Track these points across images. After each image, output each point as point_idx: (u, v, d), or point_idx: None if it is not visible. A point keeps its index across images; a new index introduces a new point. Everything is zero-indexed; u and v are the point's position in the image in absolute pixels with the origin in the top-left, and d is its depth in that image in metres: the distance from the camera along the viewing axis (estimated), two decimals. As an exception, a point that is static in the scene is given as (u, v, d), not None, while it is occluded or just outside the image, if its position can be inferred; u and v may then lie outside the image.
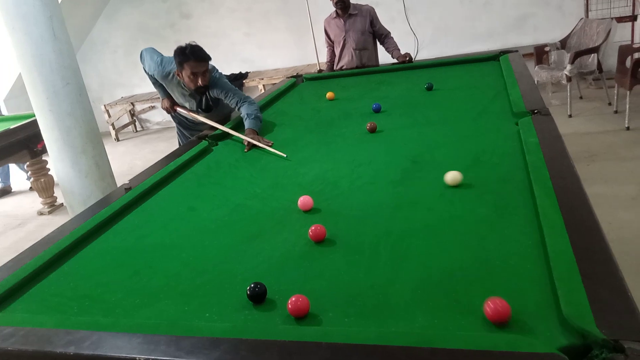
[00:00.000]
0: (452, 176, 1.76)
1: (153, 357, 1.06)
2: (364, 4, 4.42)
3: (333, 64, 4.56)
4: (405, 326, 1.10)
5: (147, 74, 3.28)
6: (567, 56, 5.25)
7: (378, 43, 4.49)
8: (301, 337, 1.06)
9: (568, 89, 5.15)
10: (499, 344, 0.95)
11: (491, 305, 1.07)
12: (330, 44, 4.53)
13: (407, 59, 4.10)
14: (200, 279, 1.42)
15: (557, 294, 1.08)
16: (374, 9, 4.38)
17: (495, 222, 1.47)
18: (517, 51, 3.71)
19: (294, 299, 1.18)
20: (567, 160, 1.69)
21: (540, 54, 5.63)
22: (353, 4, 4.35)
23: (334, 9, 4.36)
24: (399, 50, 4.28)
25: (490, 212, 1.53)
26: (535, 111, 2.27)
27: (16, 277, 1.51)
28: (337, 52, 4.47)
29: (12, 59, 3.52)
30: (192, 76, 2.87)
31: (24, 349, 1.17)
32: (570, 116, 5.13)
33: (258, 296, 1.25)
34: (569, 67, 5.03)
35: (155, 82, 3.32)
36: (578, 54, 5.03)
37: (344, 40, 4.37)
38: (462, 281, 1.22)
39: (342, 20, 4.34)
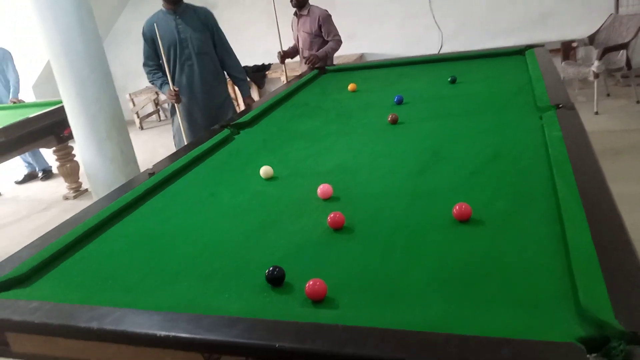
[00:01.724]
0: (264, 170, 2.00)
1: (173, 334, 1.09)
2: (323, 8, 4.40)
3: (292, 53, 4.56)
4: (419, 313, 1.10)
5: (147, 67, 3.66)
6: (595, 52, 5.15)
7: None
8: (317, 319, 1.07)
9: (595, 86, 5.06)
10: (514, 332, 0.95)
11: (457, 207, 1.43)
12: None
13: (311, 59, 4.19)
14: (220, 262, 1.45)
15: (575, 285, 1.07)
16: (326, 15, 4.33)
17: (515, 214, 1.46)
18: (543, 46, 3.65)
19: (311, 282, 1.20)
20: (591, 155, 1.67)
21: (567, 49, 5.53)
22: (311, 5, 4.37)
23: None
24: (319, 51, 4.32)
25: (509, 204, 1.52)
26: (560, 105, 2.24)
27: (42, 255, 1.55)
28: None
29: (41, 46, 3.59)
30: None
31: (49, 323, 1.21)
32: (596, 113, 5.04)
33: (276, 279, 1.27)
34: (596, 63, 4.94)
35: (153, 71, 3.66)
36: (606, 50, 4.94)
37: (296, 38, 4.51)
38: (479, 272, 1.22)
39: (296, 18, 4.42)
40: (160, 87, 3.65)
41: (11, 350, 1.36)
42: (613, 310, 0.97)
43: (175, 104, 3.60)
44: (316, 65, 4.19)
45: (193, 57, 3.63)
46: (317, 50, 4.34)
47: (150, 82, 3.74)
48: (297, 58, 4.68)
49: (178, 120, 3.66)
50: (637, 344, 0.90)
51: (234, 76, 3.91)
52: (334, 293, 1.21)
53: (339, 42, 4.36)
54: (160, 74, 3.65)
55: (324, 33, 4.32)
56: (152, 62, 3.66)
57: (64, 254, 1.59)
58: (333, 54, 4.41)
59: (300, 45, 4.47)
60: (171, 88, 3.53)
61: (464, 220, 1.47)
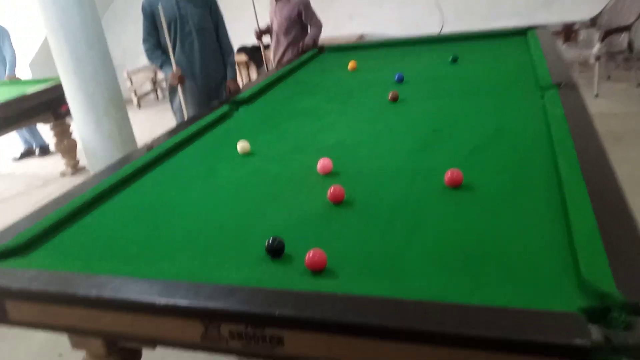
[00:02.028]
0: (241, 145, 2.03)
1: (173, 302, 1.09)
2: None
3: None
4: (419, 286, 1.10)
5: (146, 44, 3.58)
6: (596, 35, 5.12)
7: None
8: (317, 288, 1.07)
9: (596, 69, 5.03)
10: (514, 302, 0.95)
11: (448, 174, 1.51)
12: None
13: (305, 49, 4.14)
14: (219, 235, 1.44)
15: (577, 257, 1.07)
16: (307, 2, 4.23)
17: (516, 190, 1.45)
18: (545, 26, 3.62)
19: (311, 252, 1.20)
20: (592, 132, 1.66)
21: (568, 32, 5.49)
22: None
23: None
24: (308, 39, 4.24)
25: (511, 180, 1.52)
26: (562, 84, 2.22)
27: (39, 226, 1.54)
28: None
29: (39, 23, 3.55)
30: None
31: (47, 290, 1.21)
32: (596, 96, 5.02)
33: (276, 250, 1.27)
34: (598, 45, 4.91)
35: (152, 49, 3.59)
36: (608, 33, 4.90)
37: (272, 22, 4.39)
38: (479, 246, 1.22)
39: (275, 2, 4.31)
40: (161, 66, 3.60)
41: (9, 318, 1.36)
42: (614, 281, 0.97)
43: (179, 86, 3.56)
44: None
45: (193, 33, 3.58)
46: (295, 36, 4.27)
47: (149, 60, 3.68)
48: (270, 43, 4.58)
49: (179, 98, 3.62)
50: (639, 314, 0.90)
51: (223, 57, 3.85)
52: (334, 265, 1.21)
53: (320, 27, 4.28)
54: (159, 53, 3.59)
55: (304, 18, 4.24)
56: (152, 39, 3.59)
57: (62, 225, 1.58)
58: (318, 40, 4.30)
59: (276, 30, 4.34)
60: (174, 70, 3.48)
61: (456, 186, 1.52)
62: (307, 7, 4.24)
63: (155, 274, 1.21)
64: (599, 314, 0.93)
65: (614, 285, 0.96)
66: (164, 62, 3.58)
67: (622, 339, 0.84)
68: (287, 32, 4.29)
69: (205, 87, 3.73)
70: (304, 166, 1.86)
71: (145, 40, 3.60)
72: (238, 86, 3.83)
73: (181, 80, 3.54)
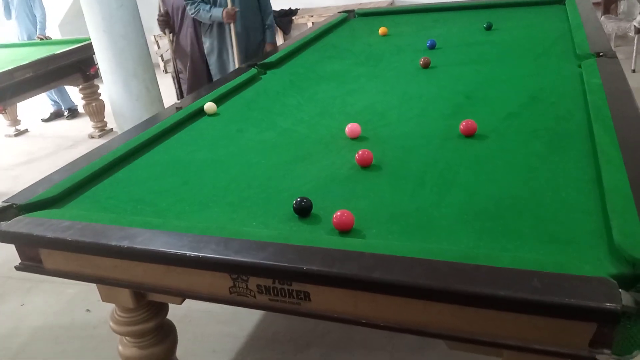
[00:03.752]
0: (208, 106, 2.07)
1: (202, 254, 1.11)
2: None
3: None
4: (449, 245, 1.10)
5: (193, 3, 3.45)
6: (638, 6, 4.91)
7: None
8: (344, 247, 1.08)
9: (635, 42, 4.84)
10: (546, 266, 0.95)
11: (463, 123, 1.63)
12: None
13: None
14: (248, 192, 1.45)
15: (609, 225, 1.05)
16: None
17: (550, 156, 1.43)
18: (585, -5, 3.48)
19: (339, 213, 1.20)
20: (631, 101, 1.61)
21: (608, 3, 5.29)
22: None
23: None
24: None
25: (544, 146, 1.49)
26: (601, 54, 2.15)
27: (73, 179, 1.57)
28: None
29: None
30: None
31: (81, 240, 1.24)
32: (633, 71, 4.85)
33: (304, 209, 1.28)
34: (639, 17, 4.71)
35: (200, 3, 3.47)
36: (651, 4, 4.70)
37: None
38: (510, 208, 1.20)
39: None
40: (210, 16, 3.48)
41: (44, 267, 1.41)
42: (648, 249, 0.95)
43: (232, 24, 3.50)
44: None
45: None
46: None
47: (198, 16, 3.51)
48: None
49: (231, 37, 3.55)
50: (671, 282, 0.89)
51: (263, 19, 3.77)
52: (362, 225, 1.21)
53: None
54: (204, 4, 3.49)
55: None
56: None
57: (95, 179, 1.61)
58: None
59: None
60: (229, 5, 3.41)
61: (470, 135, 1.62)
62: None
63: (185, 227, 1.23)
64: (630, 280, 0.92)
65: (647, 253, 0.94)
66: (211, 9, 3.49)
67: (654, 305, 0.83)
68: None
69: (244, 49, 3.67)
70: (332, 129, 1.85)
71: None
72: (276, 50, 3.72)
73: (235, 16, 3.46)
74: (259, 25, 3.74)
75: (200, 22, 3.67)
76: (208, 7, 3.49)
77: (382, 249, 1.05)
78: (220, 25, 3.62)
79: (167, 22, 3.84)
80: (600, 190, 1.20)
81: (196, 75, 3.86)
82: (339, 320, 1.10)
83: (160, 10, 3.80)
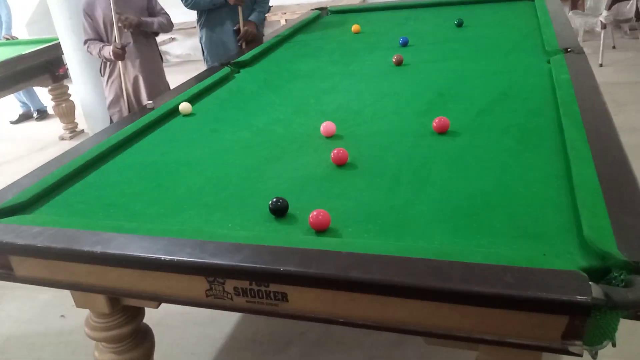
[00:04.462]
0: (184, 106, 2.09)
1: (177, 258, 1.10)
2: None
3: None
4: (424, 243, 1.11)
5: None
6: (603, 2, 5.03)
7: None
8: (321, 246, 1.08)
9: (602, 37, 4.96)
10: (518, 260, 0.96)
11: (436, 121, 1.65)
12: (96, 36, 3.21)
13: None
14: (223, 194, 1.45)
15: (579, 219, 1.08)
16: None
17: (521, 152, 1.45)
18: (553, -8, 3.55)
19: (315, 212, 1.20)
20: (598, 96, 1.65)
21: (575, -1, 5.40)
22: None
23: None
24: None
25: (515, 142, 1.52)
26: (569, 49, 2.20)
27: (43, 183, 1.54)
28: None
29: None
30: None
31: (52, 246, 1.21)
32: (601, 65, 4.96)
33: (280, 210, 1.27)
34: (605, 13, 4.83)
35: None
36: (616, 0, 4.81)
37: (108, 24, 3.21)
38: (483, 205, 1.22)
39: None
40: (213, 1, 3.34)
41: (15, 274, 1.37)
42: (616, 242, 0.98)
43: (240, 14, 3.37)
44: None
45: None
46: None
47: (191, 3, 3.31)
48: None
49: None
50: (639, 273, 0.91)
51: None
52: (338, 224, 1.22)
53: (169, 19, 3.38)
54: None
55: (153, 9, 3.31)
56: None
57: (66, 183, 1.58)
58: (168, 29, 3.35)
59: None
60: None
61: (443, 132, 1.65)
62: None
63: (160, 230, 1.22)
64: (599, 273, 0.94)
65: (615, 246, 0.97)
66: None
67: (623, 295, 0.85)
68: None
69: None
70: (307, 128, 1.85)
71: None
72: (254, 32, 3.45)
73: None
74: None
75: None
76: None
77: (358, 247, 1.06)
78: (215, 17, 3.47)
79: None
80: (570, 185, 1.23)
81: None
82: (318, 320, 1.10)
83: (115, 40, 3.08)
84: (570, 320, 0.90)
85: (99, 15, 3.13)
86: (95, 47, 3.15)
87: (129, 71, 3.24)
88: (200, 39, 3.61)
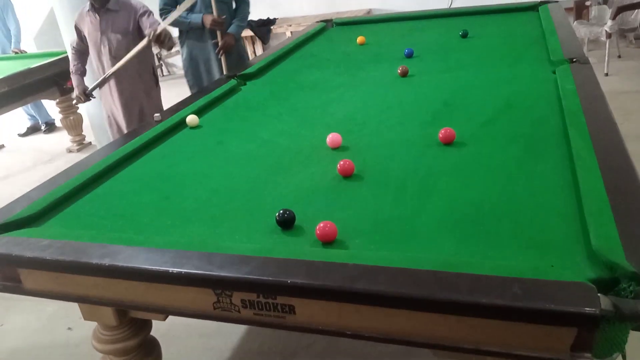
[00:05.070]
0: (191, 118, 2.10)
1: (185, 270, 1.10)
2: None
3: (79, 75, 3.35)
4: (431, 253, 1.11)
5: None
6: (608, 11, 5.03)
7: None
8: (328, 258, 1.08)
9: (607, 46, 4.96)
10: (526, 272, 0.96)
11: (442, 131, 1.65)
12: (81, 46, 3.33)
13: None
14: (230, 205, 1.45)
15: (587, 229, 1.07)
16: (142, 8, 3.19)
17: (527, 161, 1.45)
18: (557, 1, 3.56)
19: (322, 224, 1.20)
20: (604, 106, 1.65)
21: (580, 8, 5.41)
22: None
23: None
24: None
25: (521, 152, 1.52)
26: (574, 59, 2.20)
27: (52, 196, 1.55)
28: (92, 58, 3.31)
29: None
30: None
31: (61, 259, 1.22)
32: (606, 74, 4.96)
33: (287, 221, 1.28)
34: (609, 23, 4.83)
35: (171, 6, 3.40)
36: (620, 9, 4.82)
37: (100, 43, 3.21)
38: (490, 215, 1.22)
39: (96, 16, 3.15)
40: (189, 21, 3.46)
41: (23, 287, 1.38)
42: (624, 252, 0.98)
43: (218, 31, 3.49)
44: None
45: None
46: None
47: (165, 17, 3.31)
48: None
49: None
50: (648, 284, 0.91)
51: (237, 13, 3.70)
52: (345, 236, 1.22)
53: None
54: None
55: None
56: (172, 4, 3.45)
57: (74, 196, 1.59)
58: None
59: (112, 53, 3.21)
60: (215, 15, 3.40)
61: (449, 142, 1.65)
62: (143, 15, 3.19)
63: (167, 243, 1.22)
64: (607, 284, 0.94)
65: (623, 256, 0.96)
66: (188, 14, 3.46)
67: (631, 307, 0.85)
68: (127, 48, 3.17)
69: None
70: (313, 140, 1.85)
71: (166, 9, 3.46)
72: (232, 43, 3.57)
73: (221, 24, 3.44)
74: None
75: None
76: (184, 13, 3.42)
77: (365, 259, 1.06)
78: (197, 37, 3.60)
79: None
80: (576, 194, 1.22)
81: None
82: (324, 333, 1.10)
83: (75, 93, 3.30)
84: (578, 332, 0.90)
85: (85, 33, 3.24)
86: (71, 63, 3.35)
87: (112, 97, 3.34)
88: (182, 55, 3.75)
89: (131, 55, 3.06)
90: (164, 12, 3.47)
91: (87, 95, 3.32)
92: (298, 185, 1.53)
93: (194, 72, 3.76)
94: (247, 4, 3.73)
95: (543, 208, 1.21)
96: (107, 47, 3.19)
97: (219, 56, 3.61)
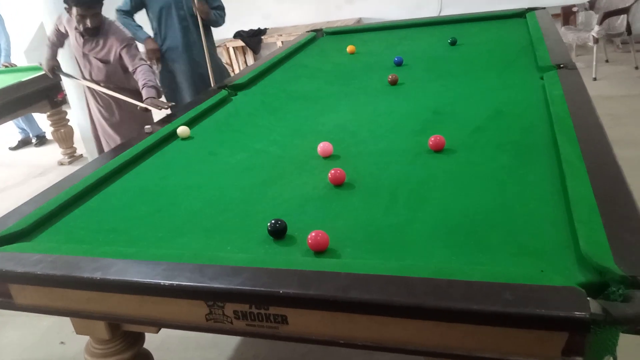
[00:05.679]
0: (182, 130, 2.11)
1: (177, 282, 1.10)
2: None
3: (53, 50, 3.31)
4: (423, 261, 1.11)
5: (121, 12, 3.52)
6: (595, 17, 5.09)
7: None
8: (320, 268, 1.09)
9: (594, 51, 5.01)
10: (516, 278, 0.97)
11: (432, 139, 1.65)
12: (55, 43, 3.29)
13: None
14: (222, 217, 1.45)
15: (576, 234, 1.08)
16: (123, 41, 3.02)
17: (516, 169, 1.47)
18: (544, 8, 3.60)
19: (313, 233, 1.21)
20: (591, 111, 1.67)
21: (567, 14, 5.47)
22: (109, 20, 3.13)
23: None
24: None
25: (511, 159, 1.53)
26: (562, 65, 2.23)
27: (43, 210, 1.55)
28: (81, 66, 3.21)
29: (33, 8, 3.52)
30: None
31: (52, 274, 1.22)
32: (594, 79, 5.01)
33: (278, 231, 1.28)
34: (596, 28, 4.89)
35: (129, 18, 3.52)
36: (607, 15, 4.88)
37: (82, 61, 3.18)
38: (481, 222, 1.23)
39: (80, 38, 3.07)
40: (136, 34, 3.47)
41: (15, 302, 1.37)
42: (613, 256, 0.99)
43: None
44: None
45: (188, 18, 3.56)
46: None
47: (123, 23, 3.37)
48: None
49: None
50: (637, 287, 0.92)
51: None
52: (337, 245, 1.22)
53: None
54: (134, 22, 3.57)
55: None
56: (132, 12, 3.57)
57: (66, 209, 1.59)
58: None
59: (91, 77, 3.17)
60: (155, 45, 3.52)
61: (439, 150, 1.66)
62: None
63: (159, 255, 1.22)
64: (597, 288, 0.95)
65: (612, 260, 0.97)
66: (137, 30, 3.54)
67: (621, 310, 0.85)
68: (107, 79, 3.15)
69: (192, 72, 3.76)
70: (305, 149, 1.86)
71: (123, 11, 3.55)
72: (206, 10, 3.57)
73: (158, 53, 3.55)
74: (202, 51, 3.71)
75: None
76: (133, 27, 3.50)
77: (357, 268, 1.06)
78: (172, 54, 3.69)
79: None
80: (566, 200, 1.24)
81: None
82: (318, 342, 1.10)
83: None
84: (569, 336, 0.91)
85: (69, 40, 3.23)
86: (45, 53, 3.30)
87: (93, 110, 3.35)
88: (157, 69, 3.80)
89: (118, 97, 3.05)
90: (120, 13, 3.56)
91: (54, 74, 3.31)
92: (290, 194, 1.53)
93: (170, 84, 3.81)
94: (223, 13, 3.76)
95: (533, 215, 1.23)
96: (87, 69, 3.17)
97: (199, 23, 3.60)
